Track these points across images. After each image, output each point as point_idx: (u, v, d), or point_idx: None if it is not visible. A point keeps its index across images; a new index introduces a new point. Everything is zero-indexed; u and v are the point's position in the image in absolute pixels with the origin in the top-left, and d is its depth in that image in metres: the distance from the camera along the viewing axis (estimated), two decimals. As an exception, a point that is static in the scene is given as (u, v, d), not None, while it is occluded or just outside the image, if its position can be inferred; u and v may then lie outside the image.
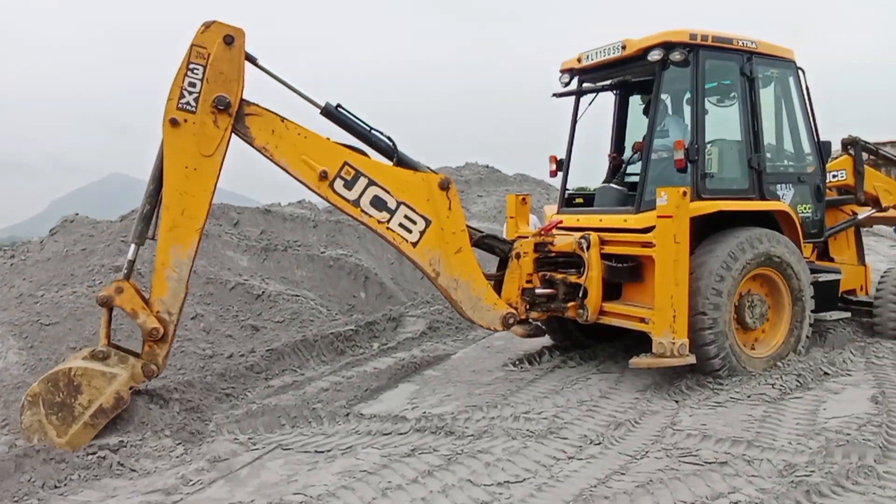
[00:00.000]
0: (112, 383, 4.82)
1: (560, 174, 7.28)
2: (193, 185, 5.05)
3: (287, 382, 6.59)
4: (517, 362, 6.83)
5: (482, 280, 5.82)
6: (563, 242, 6.29)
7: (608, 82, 7.20)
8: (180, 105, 4.99)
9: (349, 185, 5.41)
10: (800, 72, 6.77)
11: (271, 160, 5.27)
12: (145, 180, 5.31)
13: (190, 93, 4.99)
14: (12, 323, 6.99)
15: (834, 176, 7.60)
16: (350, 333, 7.86)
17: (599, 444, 4.57)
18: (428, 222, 5.57)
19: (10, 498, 4.10)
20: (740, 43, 6.30)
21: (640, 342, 5.92)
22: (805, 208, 6.75)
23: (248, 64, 5.19)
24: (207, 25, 5.03)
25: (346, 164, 5.39)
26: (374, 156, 5.65)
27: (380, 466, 4.28)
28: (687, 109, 6.54)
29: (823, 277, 6.77)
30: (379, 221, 5.50)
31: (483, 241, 6.21)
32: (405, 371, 6.77)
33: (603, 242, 6.13)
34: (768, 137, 6.63)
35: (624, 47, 6.31)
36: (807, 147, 6.92)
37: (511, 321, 5.92)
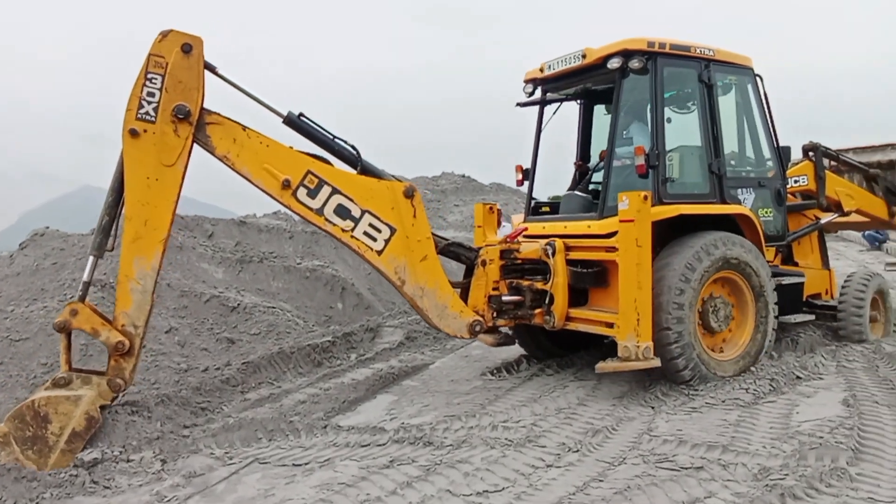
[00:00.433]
0: (79, 405, 4.74)
1: (526, 183, 7.36)
2: (155, 196, 5.00)
3: (264, 395, 6.53)
4: (495, 371, 6.84)
5: (448, 288, 5.81)
6: (529, 249, 6.32)
7: (571, 91, 7.27)
8: (139, 115, 4.94)
9: (312, 194, 5.37)
10: (758, 79, 6.89)
11: (233, 169, 5.23)
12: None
13: (149, 102, 4.94)
14: (-19, 339, 6.86)
15: (796, 181, 7.72)
16: (327, 345, 7.83)
17: (577, 451, 4.59)
18: (393, 230, 5.55)
19: (-20, 518, 4.02)
20: (698, 51, 6.41)
21: (614, 349, 5.98)
22: (766, 212, 6.85)
23: (208, 73, 5.15)
24: (164, 34, 4.98)
25: (309, 172, 5.36)
26: (339, 164, 5.63)
27: (358, 479, 4.25)
28: (649, 117, 6.63)
29: (787, 280, 6.88)
30: (343, 230, 5.47)
31: (449, 249, 6.22)
32: (383, 382, 6.75)
33: (568, 249, 6.18)
34: (728, 143, 6.71)
35: (584, 56, 6.39)
36: (767, 152, 7.04)
37: (478, 328, 5.92)
